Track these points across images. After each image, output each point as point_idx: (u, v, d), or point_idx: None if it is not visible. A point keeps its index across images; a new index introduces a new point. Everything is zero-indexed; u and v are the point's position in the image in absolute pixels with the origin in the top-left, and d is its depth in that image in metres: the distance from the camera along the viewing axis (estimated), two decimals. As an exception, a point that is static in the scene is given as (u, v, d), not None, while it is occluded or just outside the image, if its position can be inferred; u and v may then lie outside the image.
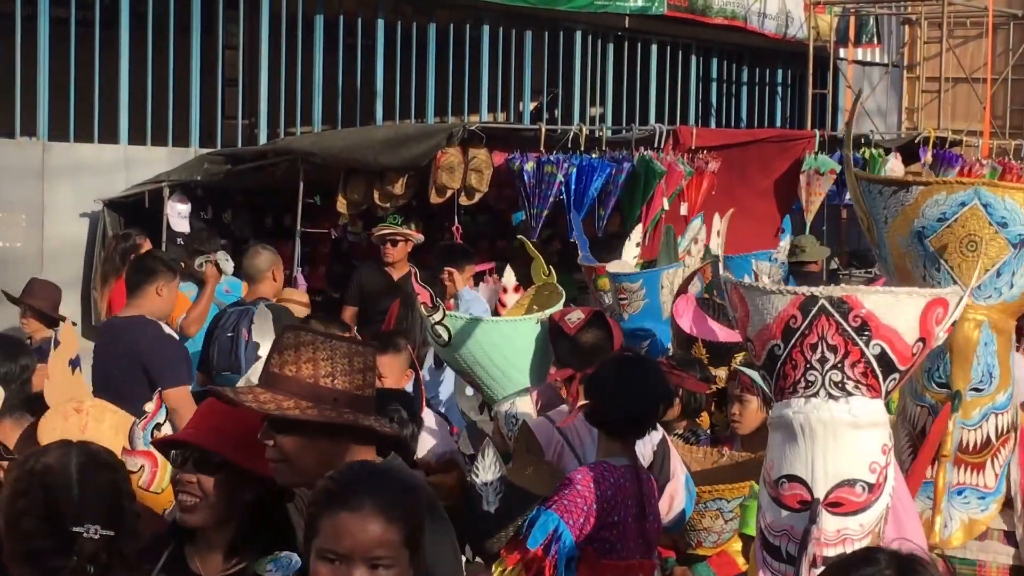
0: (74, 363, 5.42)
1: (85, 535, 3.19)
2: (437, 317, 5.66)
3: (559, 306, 5.91)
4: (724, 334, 6.68)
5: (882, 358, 3.18)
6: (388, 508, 3.00)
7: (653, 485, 5.20)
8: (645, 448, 5.36)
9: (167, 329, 7.60)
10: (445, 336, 5.62)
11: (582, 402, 5.15)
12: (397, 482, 3.14)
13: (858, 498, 3.16)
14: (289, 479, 3.68)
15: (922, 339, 3.22)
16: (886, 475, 3.21)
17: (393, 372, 6.64)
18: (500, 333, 5.74)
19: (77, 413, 4.55)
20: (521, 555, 4.80)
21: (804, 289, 3.17)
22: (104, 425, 4.58)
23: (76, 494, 3.23)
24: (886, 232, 4.38)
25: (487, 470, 5.01)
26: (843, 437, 3.14)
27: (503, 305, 6.25)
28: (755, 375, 5.89)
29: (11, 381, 5.79)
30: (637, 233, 8.70)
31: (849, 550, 3.15)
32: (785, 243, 8.08)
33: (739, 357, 6.48)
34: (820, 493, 3.14)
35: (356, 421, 3.59)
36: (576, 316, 5.69)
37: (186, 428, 4.01)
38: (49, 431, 4.38)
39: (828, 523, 3.15)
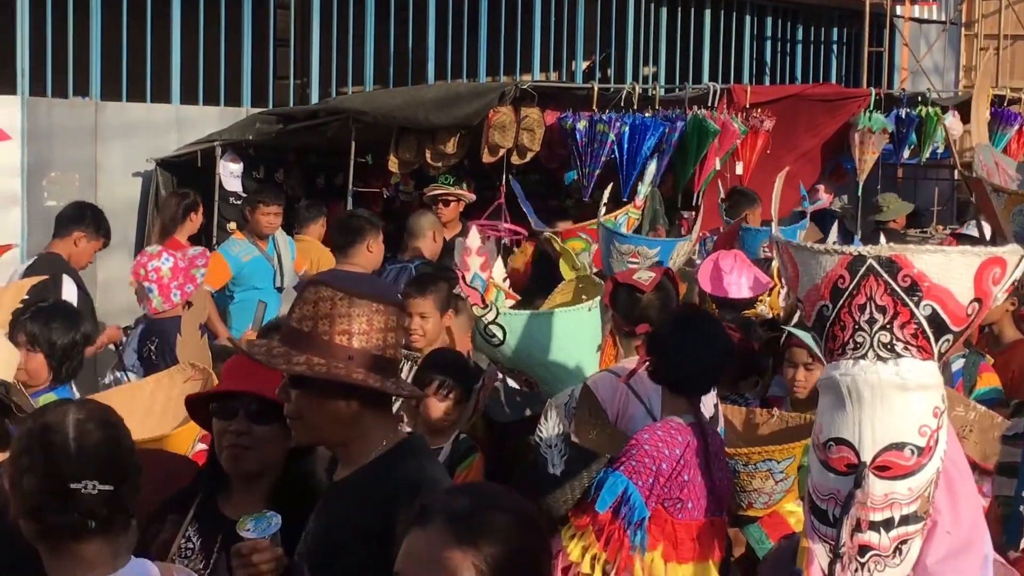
0: (203, 328, 5.48)
1: (83, 491, 3.28)
2: (491, 316, 5.56)
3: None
4: (736, 291, 6.76)
5: (933, 319, 3.11)
6: (463, 528, 2.48)
7: (720, 441, 5.18)
8: (707, 405, 5.32)
9: None
10: (500, 335, 5.54)
11: (645, 360, 5.13)
12: (491, 499, 2.60)
13: (907, 462, 3.09)
14: (303, 436, 3.66)
15: (978, 299, 3.15)
16: (937, 438, 3.14)
17: (456, 333, 6.61)
18: (555, 324, 5.69)
19: (192, 380, 4.63)
20: (590, 518, 4.76)
21: (852, 248, 3.10)
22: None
23: (73, 451, 3.31)
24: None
25: (551, 432, 4.88)
26: (891, 400, 3.08)
27: (467, 268, 6.18)
28: (806, 336, 5.85)
29: (74, 348, 5.88)
30: (605, 195, 8.97)
31: (897, 515, 3.12)
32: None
33: (747, 314, 6.55)
34: (867, 457, 3.08)
35: (364, 381, 3.49)
36: (647, 275, 5.68)
37: (231, 381, 4.02)
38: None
39: (876, 487, 3.09)
